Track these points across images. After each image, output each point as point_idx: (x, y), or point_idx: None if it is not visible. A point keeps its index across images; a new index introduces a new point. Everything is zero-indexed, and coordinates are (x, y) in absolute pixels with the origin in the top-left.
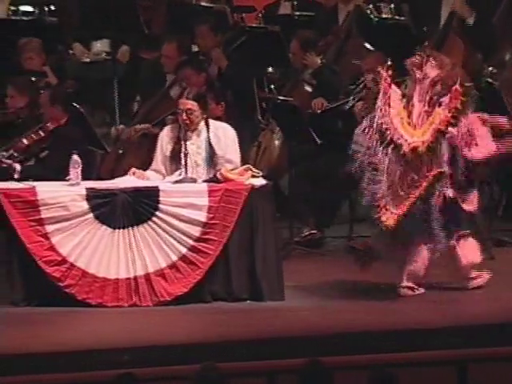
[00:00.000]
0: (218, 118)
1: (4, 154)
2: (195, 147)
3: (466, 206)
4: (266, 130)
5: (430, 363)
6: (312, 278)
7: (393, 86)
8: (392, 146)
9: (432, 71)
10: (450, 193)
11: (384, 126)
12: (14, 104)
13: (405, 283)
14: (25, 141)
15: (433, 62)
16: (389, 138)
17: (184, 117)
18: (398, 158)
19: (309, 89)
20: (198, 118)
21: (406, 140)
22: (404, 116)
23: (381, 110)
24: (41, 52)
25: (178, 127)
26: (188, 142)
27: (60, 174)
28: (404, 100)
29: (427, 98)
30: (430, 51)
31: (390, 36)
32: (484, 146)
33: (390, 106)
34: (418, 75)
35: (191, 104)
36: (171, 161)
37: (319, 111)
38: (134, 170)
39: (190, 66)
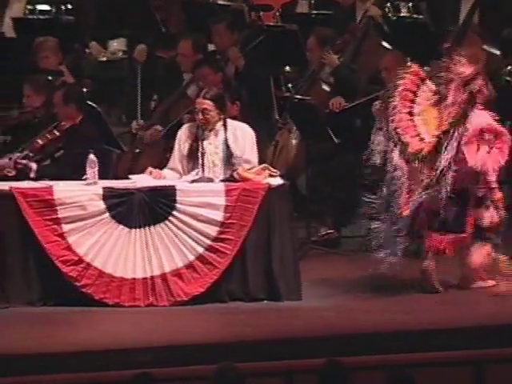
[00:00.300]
0: (233, 118)
1: (19, 154)
2: (213, 147)
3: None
4: (283, 130)
5: (447, 363)
6: (329, 278)
7: (427, 82)
8: (400, 144)
9: (466, 68)
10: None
11: (395, 125)
12: (30, 103)
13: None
14: (40, 141)
15: (462, 59)
16: (398, 136)
17: (200, 116)
18: (404, 158)
19: (326, 88)
20: (214, 118)
21: (422, 139)
22: (430, 113)
23: (396, 107)
24: (57, 51)
25: (195, 126)
26: (205, 142)
27: (76, 174)
28: (435, 97)
29: (462, 96)
30: (455, 50)
31: (408, 34)
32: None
33: (412, 101)
34: (450, 76)
35: (207, 104)
36: (188, 159)
37: (337, 110)
38: (150, 169)
39: (206, 65)
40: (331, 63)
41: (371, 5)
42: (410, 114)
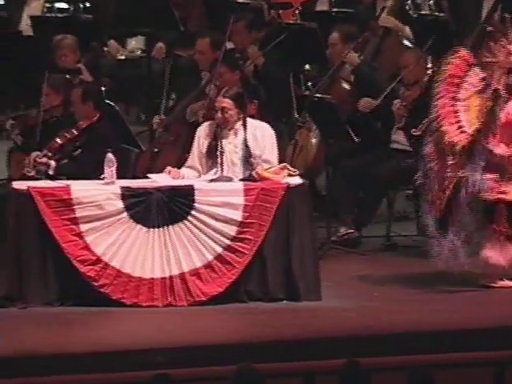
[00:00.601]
0: (250, 117)
1: (38, 153)
2: (232, 146)
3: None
4: (303, 129)
5: (468, 364)
6: (349, 278)
7: (475, 68)
8: (436, 134)
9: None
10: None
11: (437, 110)
12: (49, 102)
13: None
14: (59, 140)
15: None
16: (437, 124)
17: (219, 115)
18: (438, 148)
19: (346, 86)
20: (233, 117)
21: (461, 128)
22: (474, 101)
23: (440, 93)
24: (75, 49)
25: (215, 124)
26: (225, 141)
27: (93, 173)
28: (482, 84)
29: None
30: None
31: (428, 32)
32: None
33: (458, 86)
34: (496, 62)
35: (227, 102)
36: (207, 158)
37: (368, 111)
38: (169, 168)
39: (224, 64)
40: (352, 61)
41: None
42: (454, 99)
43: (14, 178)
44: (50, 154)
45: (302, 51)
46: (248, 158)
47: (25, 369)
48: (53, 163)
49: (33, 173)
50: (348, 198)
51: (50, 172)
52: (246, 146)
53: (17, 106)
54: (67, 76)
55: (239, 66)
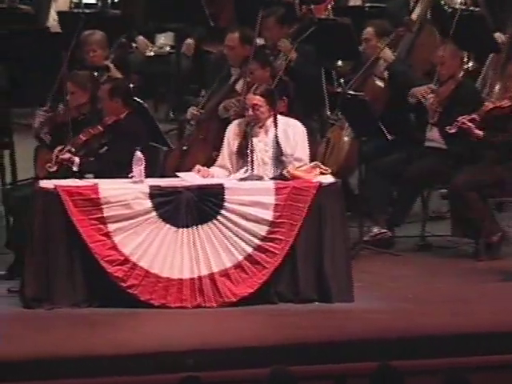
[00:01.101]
0: (280, 114)
1: (60, 148)
2: (262, 144)
3: None
4: (335, 126)
5: (505, 367)
6: (382, 279)
7: None
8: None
9: None
10: None
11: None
12: (75, 100)
13: None
14: (82, 136)
15: None
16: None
17: (250, 112)
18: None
19: (380, 83)
20: (264, 115)
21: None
22: None
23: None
24: (104, 45)
25: (245, 122)
26: (255, 139)
27: (120, 171)
28: None
29: None
30: None
31: (464, 27)
32: None
33: None
34: None
35: (258, 99)
36: (237, 157)
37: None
38: (198, 167)
39: (255, 60)
40: (386, 58)
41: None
42: None
43: (40, 176)
44: (73, 150)
45: (334, 47)
46: (279, 157)
47: (51, 371)
48: (77, 159)
49: (54, 168)
50: (381, 197)
51: (74, 168)
52: (277, 143)
53: (44, 104)
54: (95, 73)
55: (270, 63)
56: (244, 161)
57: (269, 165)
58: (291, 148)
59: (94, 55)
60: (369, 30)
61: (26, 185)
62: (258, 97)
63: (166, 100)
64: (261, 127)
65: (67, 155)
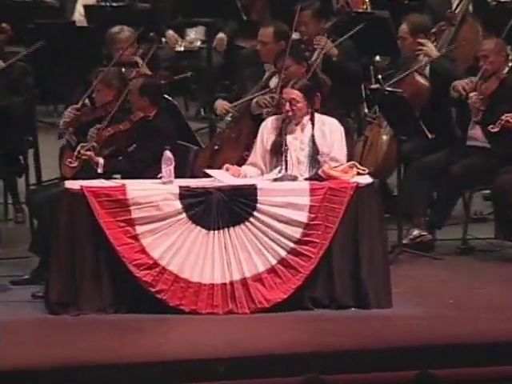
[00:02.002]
0: (315, 111)
1: (84, 144)
2: (298, 142)
3: None
4: (373, 124)
5: None
6: (422, 284)
7: None
8: None
9: None
10: None
11: None
12: (101, 98)
13: None
14: (106, 131)
15: None
16: None
17: (287, 107)
18: None
19: (421, 80)
20: (301, 111)
21: None
22: None
23: None
24: (133, 42)
25: (281, 119)
26: (290, 137)
27: (149, 171)
28: None
29: None
30: None
31: (508, 21)
32: None
33: None
34: None
35: (296, 94)
36: (271, 155)
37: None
38: (227, 165)
39: (290, 56)
40: (430, 54)
41: None
42: None
43: (66, 176)
44: (97, 146)
45: (372, 42)
46: (315, 155)
47: (77, 380)
48: (101, 160)
49: (75, 164)
50: (421, 199)
51: (99, 170)
52: (313, 142)
53: (70, 102)
54: (123, 69)
55: (306, 58)
56: (278, 159)
57: (304, 164)
58: (328, 147)
59: (122, 53)
60: (403, 28)
61: (51, 185)
62: (296, 91)
63: (197, 97)
64: (297, 124)
65: (89, 152)
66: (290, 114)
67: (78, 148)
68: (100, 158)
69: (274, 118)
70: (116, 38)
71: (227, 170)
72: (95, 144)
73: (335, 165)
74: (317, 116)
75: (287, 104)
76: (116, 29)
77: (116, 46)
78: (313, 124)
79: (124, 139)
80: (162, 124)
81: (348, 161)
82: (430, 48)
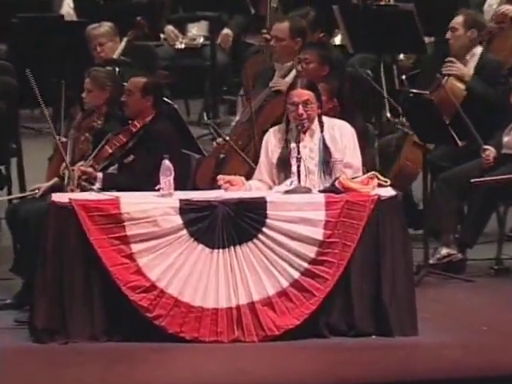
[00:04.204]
0: (325, 115)
1: (82, 163)
2: (307, 151)
3: None
4: (396, 130)
5: None
6: (452, 309)
7: None
8: None
9: None
10: None
11: None
12: (91, 100)
13: None
14: (109, 148)
15: None
16: None
17: (300, 111)
18: None
19: (458, 83)
20: (315, 112)
21: None
22: None
23: None
24: (113, 37)
25: (284, 128)
26: (300, 145)
27: (149, 183)
28: None
29: None
30: None
31: None
32: None
33: None
34: None
35: (308, 94)
36: (279, 169)
37: None
38: (225, 178)
39: (314, 50)
40: (462, 76)
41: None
42: None
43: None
44: (97, 167)
45: (395, 38)
46: (327, 161)
47: None
48: (99, 175)
49: (78, 191)
50: (450, 213)
51: (97, 185)
52: (324, 145)
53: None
54: (116, 69)
55: (331, 62)
56: (287, 172)
57: (315, 174)
58: (340, 152)
59: (101, 49)
60: (458, 19)
61: (36, 198)
62: (308, 91)
63: (199, 100)
64: (305, 131)
65: (90, 169)
66: (305, 117)
67: (77, 170)
68: (98, 173)
69: (276, 128)
70: (92, 35)
71: (226, 183)
72: (94, 164)
73: (351, 172)
74: (324, 118)
75: (300, 107)
76: (92, 25)
77: (92, 44)
78: (322, 127)
79: (121, 152)
80: (163, 130)
81: (368, 171)
82: (461, 69)
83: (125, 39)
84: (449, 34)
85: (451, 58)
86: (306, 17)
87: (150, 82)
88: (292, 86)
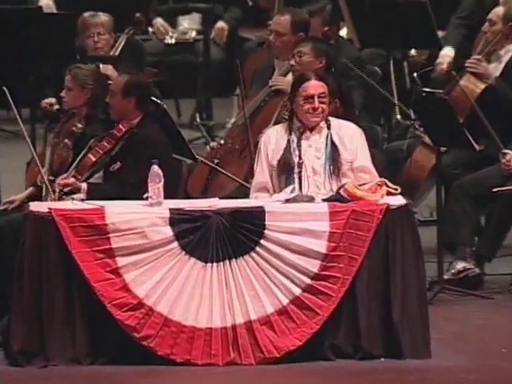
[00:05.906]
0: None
1: (64, 176)
2: (313, 150)
3: None
4: (408, 133)
5: None
6: (468, 329)
7: None
8: None
9: None
10: None
11: None
12: (70, 100)
13: None
14: (92, 156)
15: None
16: None
17: (317, 104)
18: None
19: (479, 83)
20: (328, 108)
21: None
22: None
23: None
24: (110, 30)
25: (286, 127)
26: (304, 144)
27: (137, 193)
28: None
29: None
30: None
31: None
32: None
33: None
34: None
35: (323, 86)
36: (279, 172)
37: None
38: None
39: (309, 42)
40: (486, 76)
41: None
42: None
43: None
44: (80, 177)
45: (407, 32)
46: (336, 158)
47: None
48: (84, 185)
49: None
50: (466, 224)
51: (82, 196)
52: (332, 143)
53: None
54: (100, 65)
55: (327, 55)
56: (289, 176)
57: (321, 175)
58: (350, 153)
59: (98, 40)
60: (497, 10)
61: (13, 208)
62: (321, 83)
63: (191, 100)
64: (312, 129)
65: (71, 180)
66: (320, 111)
67: (59, 182)
68: (83, 183)
69: (275, 128)
70: (89, 23)
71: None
72: (77, 175)
73: (364, 176)
74: (330, 118)
75: (316, 100)
76: (89, 13)
77: (89, 32)
78: (328, 126)
79: (106, 159)
80: (150, 134)
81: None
82: (487, 68)
83: (124, 36)
84: (485, 27)
85: (478, 56)
86: (323, 11)
87: (132, 82)
88: (305, 78)
